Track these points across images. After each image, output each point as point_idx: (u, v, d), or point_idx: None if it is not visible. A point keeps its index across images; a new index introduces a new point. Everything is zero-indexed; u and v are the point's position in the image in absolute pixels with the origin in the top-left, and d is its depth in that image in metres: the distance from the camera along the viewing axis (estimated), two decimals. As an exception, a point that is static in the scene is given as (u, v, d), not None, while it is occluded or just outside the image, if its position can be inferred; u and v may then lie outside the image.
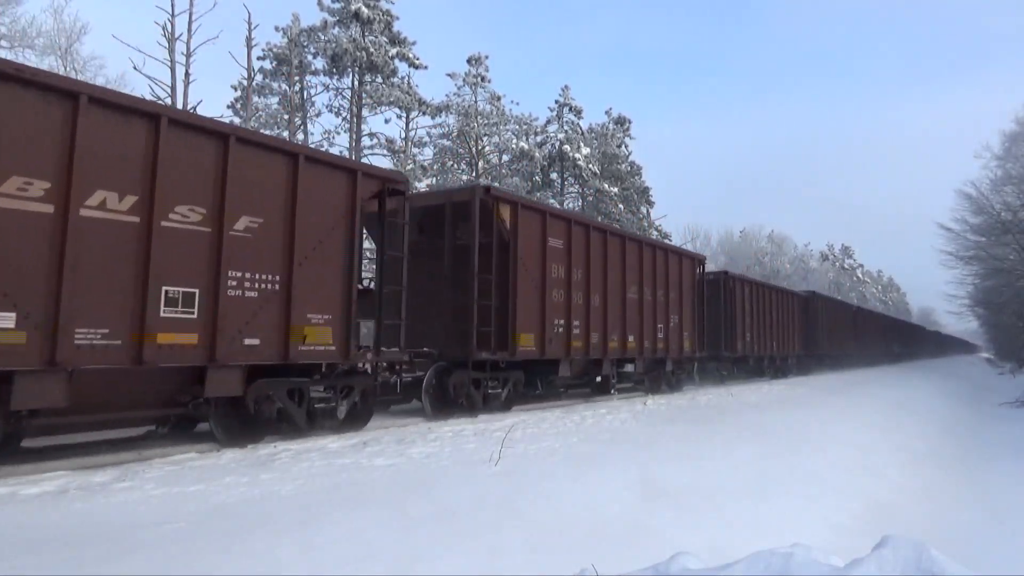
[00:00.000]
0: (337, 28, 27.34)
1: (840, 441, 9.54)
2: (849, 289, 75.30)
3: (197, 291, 6.44)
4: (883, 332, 46.14)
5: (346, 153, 25.43)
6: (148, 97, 17.77)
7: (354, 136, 26.87)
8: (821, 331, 29.97)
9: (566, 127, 35.01)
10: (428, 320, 10.27)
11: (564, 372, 11.77)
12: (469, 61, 31.41)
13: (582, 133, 35.25)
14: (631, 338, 13.53)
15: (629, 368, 14.20)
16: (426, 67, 28.48)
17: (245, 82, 23.47)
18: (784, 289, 27.76)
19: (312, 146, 23.90)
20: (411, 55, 28.08)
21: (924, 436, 12.82)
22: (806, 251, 74.04)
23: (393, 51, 27.53)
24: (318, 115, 27.96)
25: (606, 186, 34.37)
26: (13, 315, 5.26)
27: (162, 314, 6.13)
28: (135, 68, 20.35)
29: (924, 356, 60.07)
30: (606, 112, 38.22)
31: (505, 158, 32.91)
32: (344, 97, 27.84)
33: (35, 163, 5.43)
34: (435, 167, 30.38)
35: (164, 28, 19.18)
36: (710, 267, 20.37)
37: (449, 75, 31.38)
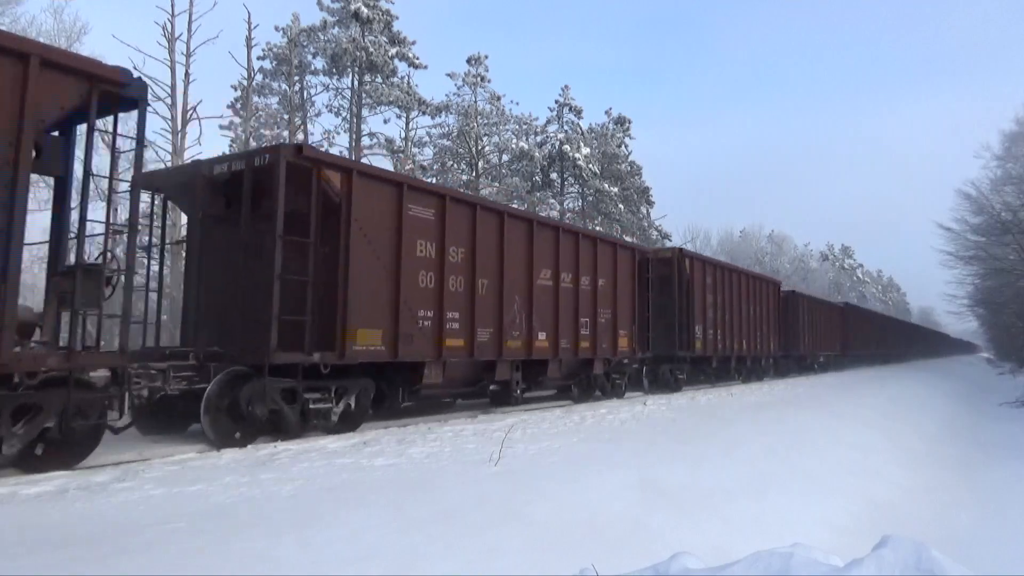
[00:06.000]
0: (337, 28, 27.36)
1: (842, 442, 9.55)
2: (849, 289, 75.30)
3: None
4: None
5: (345, 153, 25.41)
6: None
7: (354, 136, 26.88)
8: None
9: (566, 127, 35.03)
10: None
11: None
12: (469, 61, 31.43)
13: (582, 133, 35.25)
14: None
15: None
16: (426, 67, 28.52)
17: (245, 82, 23.47)
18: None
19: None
20: (411, 55, 28.10)
21: (924, 436, 12.84)
22: (806, 251, 74.09)
23: (393, 51, 27.54)
24: (318, 115, 27.99)
25: (606, 186, 34.38)
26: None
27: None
28: (135, 68, 20.32)
29: (923, 357, 60.02)
30: (606, 112, 38.29)
31: (505, 158, 32.92)
32: (344, 97, 27.86)
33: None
34: (435, 167, 30.40)
35: (164, 28, 19.20)
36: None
37: (449, 75, 31.43)
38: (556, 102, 35.30)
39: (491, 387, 11.24)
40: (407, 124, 29.34)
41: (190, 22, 19.46)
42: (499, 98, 32.15)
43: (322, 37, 27.23)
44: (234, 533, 3.74)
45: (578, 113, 35.36)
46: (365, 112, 27.49)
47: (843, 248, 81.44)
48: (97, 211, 6.60)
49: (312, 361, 7.79)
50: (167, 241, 9.84)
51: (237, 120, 24.29)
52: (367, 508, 4.34)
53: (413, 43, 28.28)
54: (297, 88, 26.59)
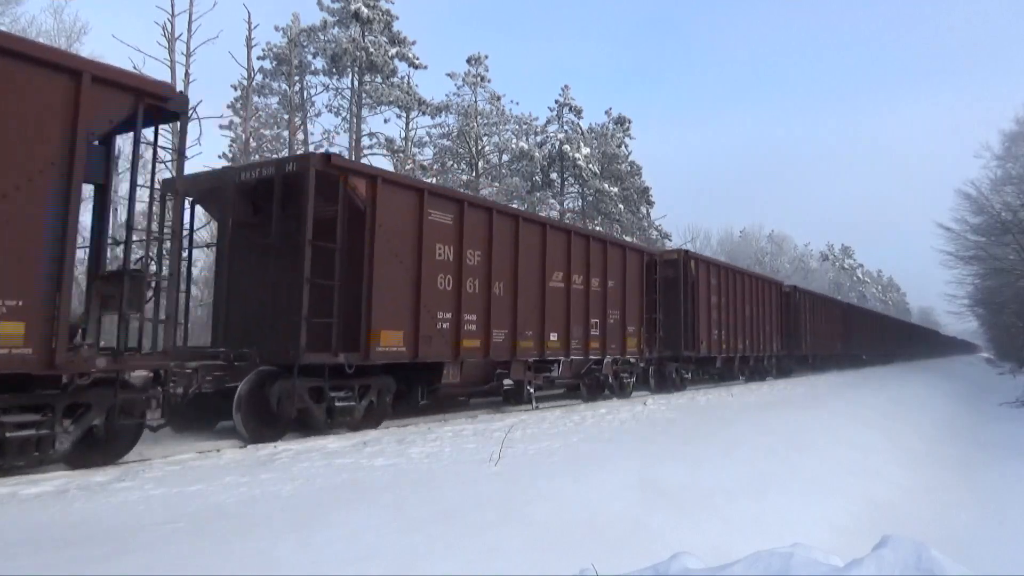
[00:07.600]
0: (337, 28, 27.35)
1: (841, 441, 9.55)
2: (849, 289, 75.29)
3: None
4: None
5: (346, 154, 25.37)
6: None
7: (354, 136, 26.87)
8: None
9: (566, 127, 35.02)
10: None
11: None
12: (469, 61, 31.43)
13: (582, 133, 35.24)
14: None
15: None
16: (426, 67, 28.51)
17: (245, 82, 23.47)
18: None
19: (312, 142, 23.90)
20: (411, 55, 28.09)
21: (924, 436, 12.83)
22: (806, 251, 74.12)
23: (393, 51, 27.54)
24: (318, 115, 27.98)
25: (606, 186, 34.37)
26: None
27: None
28: (135, 68, 20.30)
29: (923, 357, 59.95)
30: (606, 112, 38.27)
31: (505, 158, 32.92)
32: (344, 97, 27.86)
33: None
34: (435, 167, 30.39)
35: (164, 28, 19.16)
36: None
37: (449, 75, 31.42)
38: (556, 102, 35.31)
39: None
40: (407, 124, 29.35)
41: (190, 22, 19.42)
42: (499, 98, 32.18)
43: (322, 37, 27.23)
44: (234, 533, 3.74)
45: (578, 113, 35.36)
46: (365, 112, 27.50)
47: (843, 248, 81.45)
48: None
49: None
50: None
51: (237, 120, 24.30)
52: (367, 508, 4.34)
53: (413, 43, 28.29)
54: (297, 88, 26.59)
